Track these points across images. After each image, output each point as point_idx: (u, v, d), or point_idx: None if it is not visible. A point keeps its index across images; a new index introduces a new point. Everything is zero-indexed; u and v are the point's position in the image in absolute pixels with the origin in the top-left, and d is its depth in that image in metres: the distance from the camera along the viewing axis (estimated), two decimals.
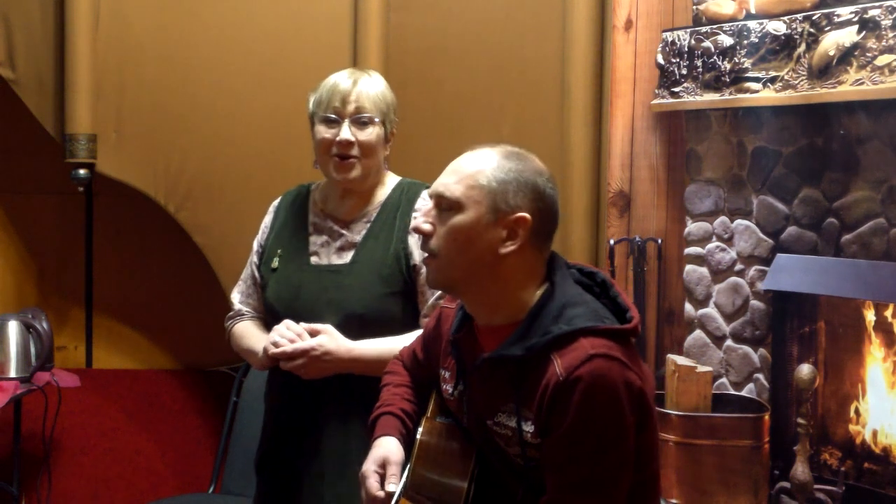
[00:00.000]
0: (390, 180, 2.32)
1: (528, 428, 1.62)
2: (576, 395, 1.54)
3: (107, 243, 3.65)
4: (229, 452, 3.28)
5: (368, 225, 2.25)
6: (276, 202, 2.40)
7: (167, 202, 3.34)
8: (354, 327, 2.17)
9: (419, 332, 2.14)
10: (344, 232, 2.26)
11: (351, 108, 2.20)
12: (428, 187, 2.29)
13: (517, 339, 1.64)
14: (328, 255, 2.25)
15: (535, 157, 1.73)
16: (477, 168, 1.67)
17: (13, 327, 3.20)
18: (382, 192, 2.29)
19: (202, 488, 3.48)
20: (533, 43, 3.30)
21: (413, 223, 1.77)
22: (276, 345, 2.14)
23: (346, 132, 2.19)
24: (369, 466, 1.80)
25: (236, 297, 2.39)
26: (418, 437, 1.80)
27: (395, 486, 1.75)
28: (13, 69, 3.31)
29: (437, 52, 3.34)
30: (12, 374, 3.17)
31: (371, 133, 2.21)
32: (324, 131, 2.22)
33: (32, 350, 3.23)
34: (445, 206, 1.68)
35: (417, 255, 2.19)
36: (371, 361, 2.14)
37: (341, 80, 2.23)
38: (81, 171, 3.31)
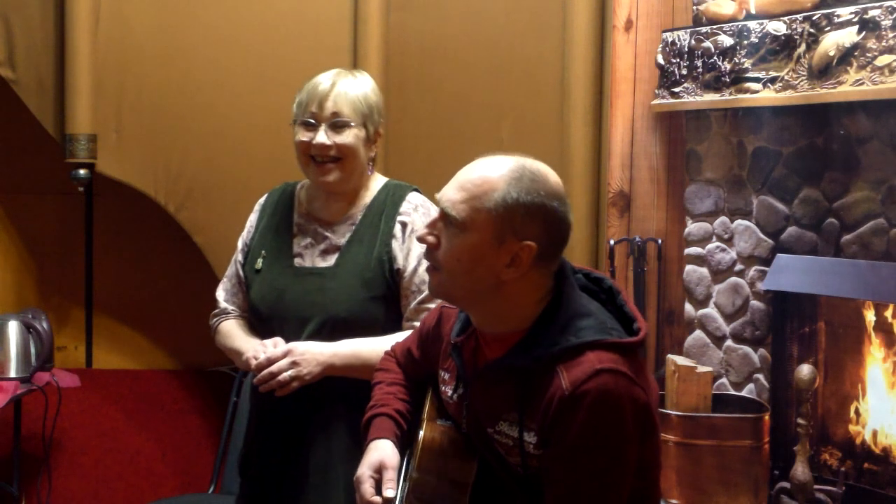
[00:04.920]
0: (376, 182, 2.30)
1: (531, 439, 1.61)
2: (581, 411, 1.53)
3: (107, 243, 3.65)
4: (229, 452, 3.27)
5: (353, 227, 2.24)
6: (261, 200, 2.39)
7: (167, 202, 3.34)
8: (338, 331, 2.17)
9: (399, 334, 2.15)
10: (328, 234, 2.25)
11: (328, 112, 2.19)
12: (415, 189, 2.29)
13: (523, 348, 1.62)
14: (312, 257, 2.25)
15: (550, 172, 1.65)
16: (485, 189, 1.60)
17: (13, 327, 3.19)
18: (367, 195, 2.27)
19: (202, 488, 3.48)
20: (533, 43, 3.30)
21: (417, 233, 1.69)
22: (257, 358, 2.14)
23: (322, 136, 2.18)
24: (364, 471, 1.76)
25: (221, 294, 2.39)
26: (420, 439, 1.77)
27: (392, 491, 1.72)
28: (13, 69, 3.31)
29: (437, 53, 3.34)
30: (12, 374, 3.17)
31: (348, 136, 2.19)
32: (302, 134, 2.22)
33: (32, 350, 3.22)
34: (450, 222, 1.63)
35: (401, 259, 2.19)
36: (348, 356, 2.14)
37: (322, 81, 2.22)
38: (81, 171, 3.30)
